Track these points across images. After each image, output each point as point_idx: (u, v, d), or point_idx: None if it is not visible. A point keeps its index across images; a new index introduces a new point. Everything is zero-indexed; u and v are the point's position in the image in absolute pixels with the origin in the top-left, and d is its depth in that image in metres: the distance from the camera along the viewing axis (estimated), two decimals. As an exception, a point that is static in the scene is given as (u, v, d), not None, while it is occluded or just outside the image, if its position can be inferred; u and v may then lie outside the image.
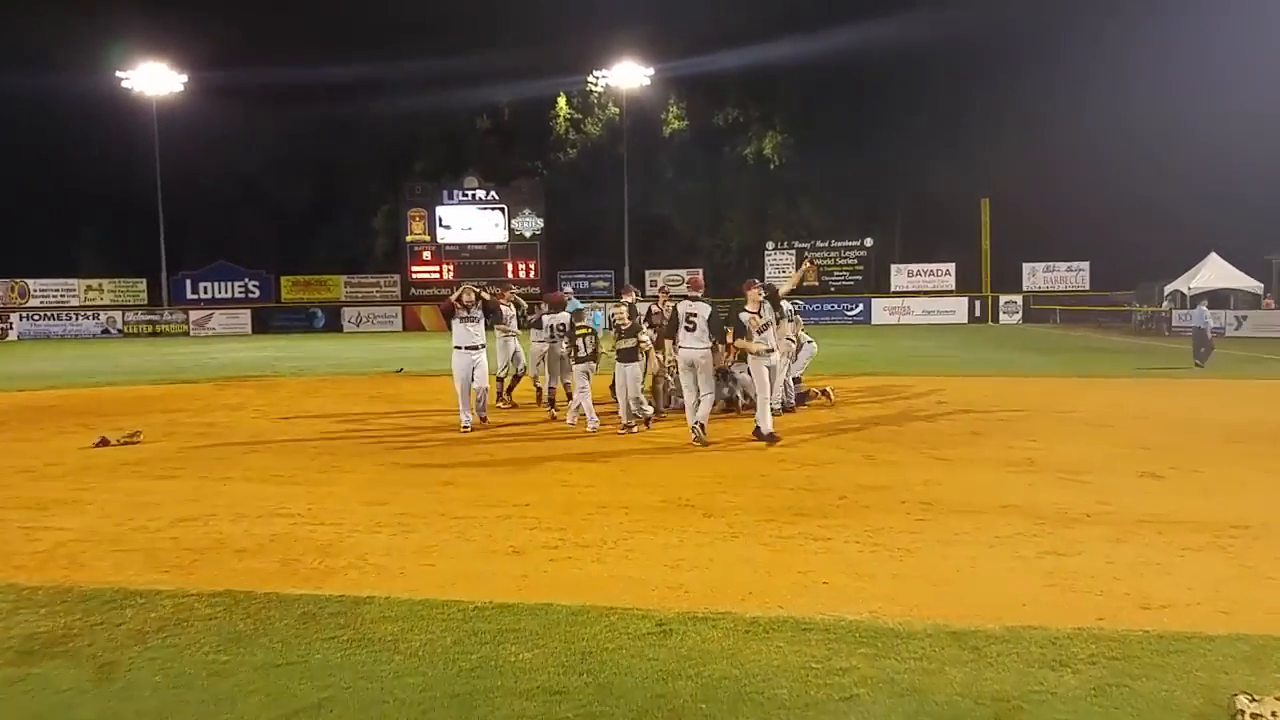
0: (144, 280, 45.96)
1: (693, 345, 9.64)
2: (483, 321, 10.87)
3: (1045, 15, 43.17)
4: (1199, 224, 36.46)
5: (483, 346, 10.85)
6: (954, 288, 44.94)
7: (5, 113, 42.71)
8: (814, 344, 13.16)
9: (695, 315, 9.60)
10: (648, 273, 45.46)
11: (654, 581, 5.05)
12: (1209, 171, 37.98)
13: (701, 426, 9.58)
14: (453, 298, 10.99)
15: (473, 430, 10.60)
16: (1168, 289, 34.84)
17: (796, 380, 12.44)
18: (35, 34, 43.48)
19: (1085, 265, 43.68)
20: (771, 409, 9.90)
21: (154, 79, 43.77)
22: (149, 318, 44.50)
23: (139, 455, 9.53)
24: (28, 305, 44.35)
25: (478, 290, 11.24)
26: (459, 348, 10.75)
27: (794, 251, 45.61)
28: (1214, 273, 33.23)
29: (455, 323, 10.77)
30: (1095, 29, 42.93)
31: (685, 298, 9.92)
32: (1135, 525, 6.14)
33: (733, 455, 9.14)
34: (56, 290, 45.10)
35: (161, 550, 5.83)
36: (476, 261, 46.45)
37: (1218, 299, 33.12)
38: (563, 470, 8.42)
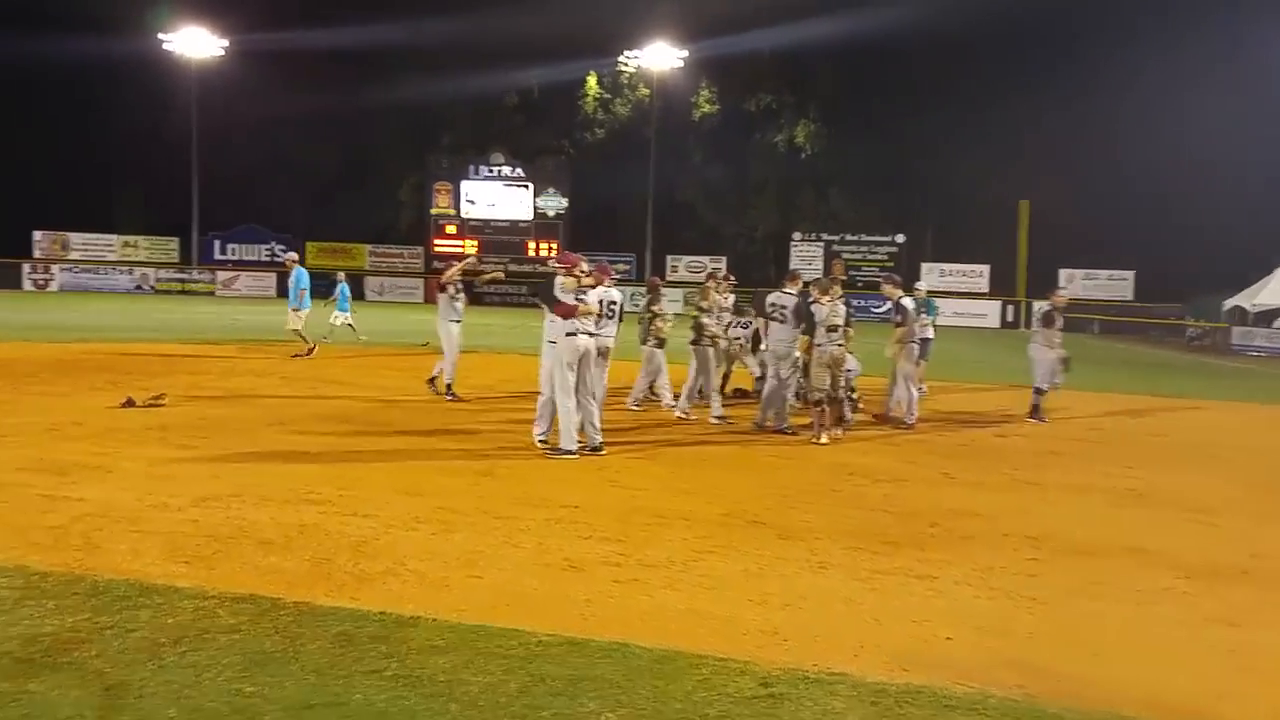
0: (177, 239, 46.26)
1: (595, 330, 8.14)
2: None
3: (1097, 3, 40.95)
4: (1262, 234, 33.41)
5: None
6: (987, 290, 43.82)
7: (54, 71, 42.98)
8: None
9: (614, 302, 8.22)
10: (669, 258, 44.64)
11: (742, 621, 4.36)
12: (1273, 178, 35.21)
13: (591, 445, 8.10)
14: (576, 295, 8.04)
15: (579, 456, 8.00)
16: (1226, 304, 32.57)
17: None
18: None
19: (1129, 275, 42.28)
20: (830, 423, 8.90)
21: (195, 42, 44.33)
22: (179, 276, 45.05)
23: (162, 419, 9.20)
24: (69, 258, 44.81)
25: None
26: (574, 334, 7.86)
27: (822, 244, 44.55)
28: None
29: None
30: (1151, 19, 39.86)
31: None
32: (1316, 593, 5.25)
33: (788, 463, 8.48)
34: (95, 245, 45.62)
35: (182, 535, 5.40)
36: (500, 238, 45.84)
37: None
38: (608, 467, 7.85)
